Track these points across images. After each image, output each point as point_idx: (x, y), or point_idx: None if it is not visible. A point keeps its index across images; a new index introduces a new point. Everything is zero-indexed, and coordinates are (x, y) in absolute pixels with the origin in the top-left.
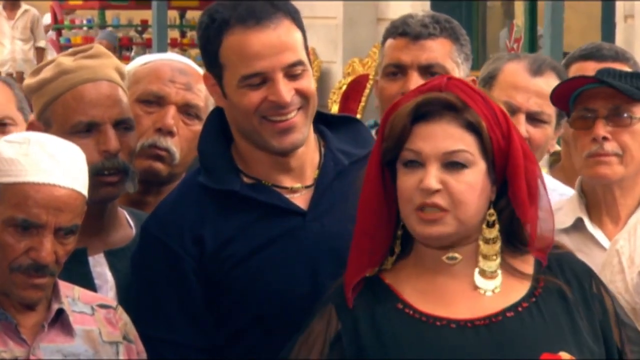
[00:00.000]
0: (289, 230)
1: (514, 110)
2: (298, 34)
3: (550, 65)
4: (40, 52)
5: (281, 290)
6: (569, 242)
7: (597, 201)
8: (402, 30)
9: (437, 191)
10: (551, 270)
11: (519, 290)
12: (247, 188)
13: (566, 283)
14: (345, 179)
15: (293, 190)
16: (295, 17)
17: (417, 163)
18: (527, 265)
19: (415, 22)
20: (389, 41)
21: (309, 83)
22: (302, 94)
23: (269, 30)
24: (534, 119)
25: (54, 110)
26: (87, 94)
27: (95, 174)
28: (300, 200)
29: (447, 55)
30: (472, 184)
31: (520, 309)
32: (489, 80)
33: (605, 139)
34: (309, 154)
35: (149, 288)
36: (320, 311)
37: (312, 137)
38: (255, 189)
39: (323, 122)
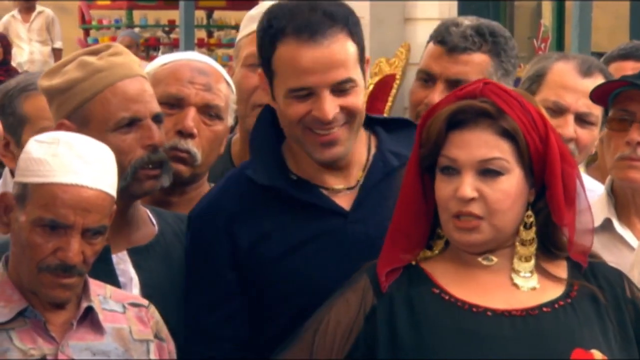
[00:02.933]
0: (329, 231)
1: (563, 110)
2: (352, 48)
3: (598, 67)
4: (58, 53)
5: (317, 292)
6: (598, 243)
7: (627, 202)
8: (442, 38)
9: (473, 199)
10: (584, 276)
11: (555, 290)
12: (290, 186)
13: (598, 288)
14: (393, 180)
15: (336, 191)
16: (353, 30)
17: (454, 170)
18: (561, 270)
19: (457, 32)
20: (430, 44)
21: (356, 99)
22: (348, 111)
23: (322, 46)
24: (582, 120)
25: (92, 108)
26: (127, 89)
27: (141, 168)
28: (343, 200)
29: (480, 71)
30: (508, 191)
31: (556, 306)
32: (537, 79)
33: (639, 144)
34: (356, 154)
35: (192, 278)
36: (356, 281)
37: (362, 138)
38: (298, 187)
39: (380, 124)
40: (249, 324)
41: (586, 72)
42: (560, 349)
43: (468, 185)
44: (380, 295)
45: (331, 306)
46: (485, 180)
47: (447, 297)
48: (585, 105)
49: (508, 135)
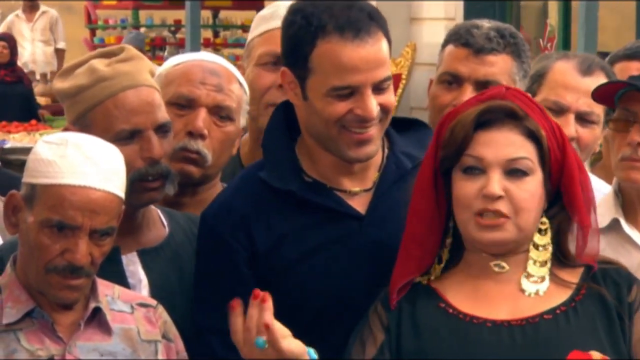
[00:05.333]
0: (345, 235)
1: (564, 109)
2: (387, 47)
3: (599, 65)
4: (60, 53)
5: (333, 296)
6: (605, 243)
7: (633, 202)
8: (465, 40)
9: (500, 198)
10: (595, 279)
11: (561, 295)
12: (305, 189)
13: (607, 290)
14: (407, 183)
15: (352, 193)
16: (386, 29)
17: (478, 170)
18: (574, 276)
19: (480, 34)
20: (450, 47)
21: (391, 97)
22: (385, 108)
23: (367, 45)
24: (583, 119)
25: (94, 117)
26: (129, 101)
27: (139, 180)
28: (359, 203)
29: (506, 72)
30: (533, 191)
31: (558, 311)
32: (537, 78)
33: None
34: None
35: (204, 276)
36: (371, 311)
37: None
38: (314, 190)
39: (391, 124)
40: None
41: (586, 70)
42: (556, 353)
43: (496, 183)
44: (391, 313)
45: (359, 338)
46: (512, 179)
47: (450, 310)
48: (586, 104)
49: (532, 137)
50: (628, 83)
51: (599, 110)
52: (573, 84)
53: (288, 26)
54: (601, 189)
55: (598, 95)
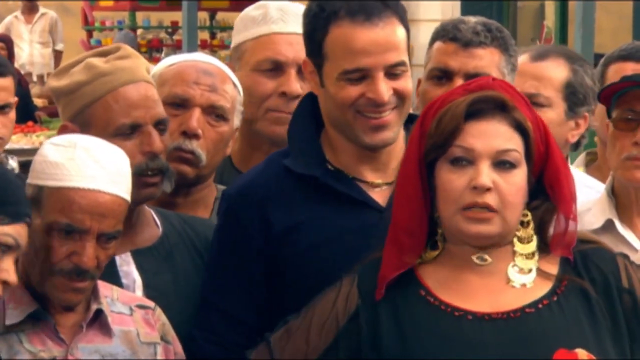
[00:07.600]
0: (364, 226)
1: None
2: (403, 34)
3: (559, 51)
4: (58, 55)
5: None
6: None
7: (630, 203)
8: (453, 35)
9: (488, 190)
10: (576, 268)
11: (542, 288)
12: (328, 176)
13: (590, 281)
14: None
15: (374, 185)
16: (403, 17)
17: (466, 161)
18: (552, 265)
19: (467, 28)
20: (438, 44)
21: (407, 83)
22: (400, 94)
23: (377, 28)
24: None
25: (94, 112)
26: (129, 95)
27: (139, 175)
28: (380, 195)
29: (495, 65)
30: (519, 185)
31: (540, 305)
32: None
33: None
34: (396, 150)
35: (217, 252)
36: (343, 281)
37: (401, 134)
38: (336, 178)
39: (412, 122)
40: (269, 315)
41: (538, 56)
42: (542, 351)
43: (486, 175)
44: (366, 296)
45: (315, 305)
46: (499, 172)
47: (432, 300)
48: (533, 86)
49: (520, 129)
50: (635, 82)
51: (549, 93)
52: (521, 69)
53: (306, 15)
54: (595, 187)
55: (603, 95)
